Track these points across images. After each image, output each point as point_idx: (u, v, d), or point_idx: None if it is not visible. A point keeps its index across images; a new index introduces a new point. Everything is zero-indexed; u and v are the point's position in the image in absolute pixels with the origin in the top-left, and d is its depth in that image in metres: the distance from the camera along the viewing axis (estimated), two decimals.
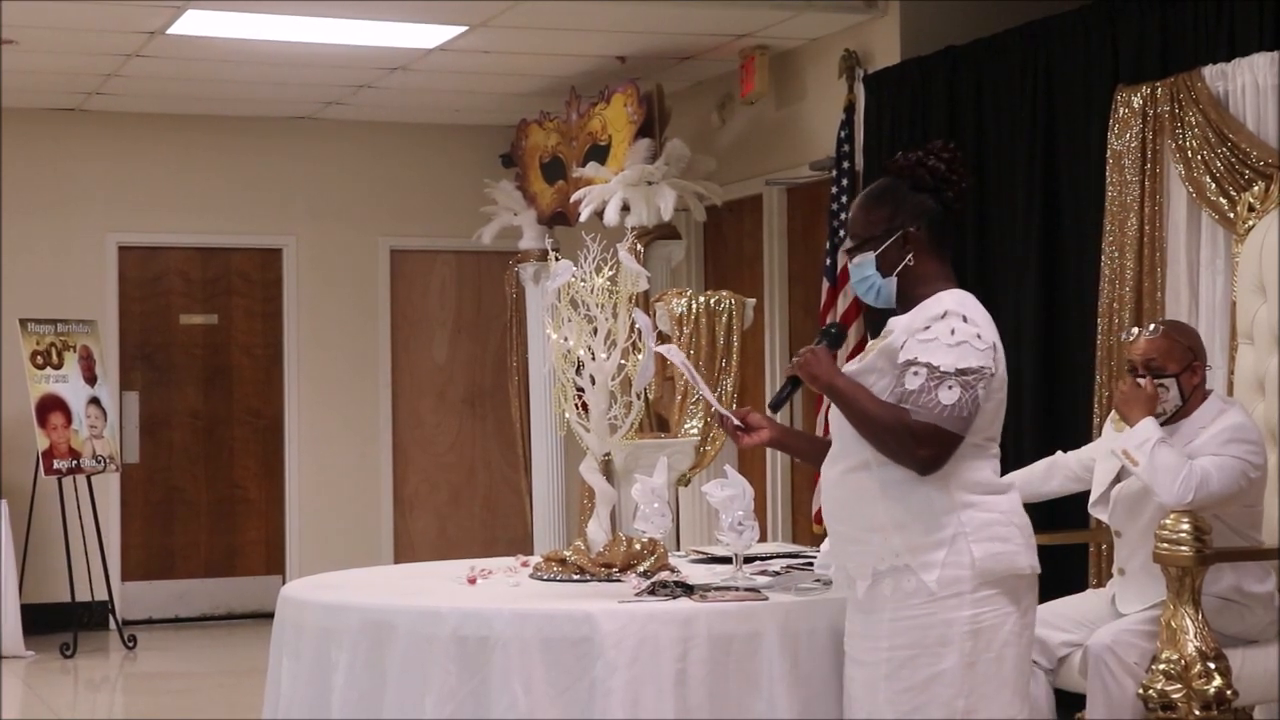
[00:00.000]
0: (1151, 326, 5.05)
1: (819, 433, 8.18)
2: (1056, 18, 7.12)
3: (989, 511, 3.68)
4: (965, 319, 3.66)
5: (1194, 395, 4.92)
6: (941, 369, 3.60)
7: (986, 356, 3.65)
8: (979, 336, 3.65)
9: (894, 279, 3.79)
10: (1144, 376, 4.91)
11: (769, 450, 9.42)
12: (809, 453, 4.26)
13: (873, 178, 8.13)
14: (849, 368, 3.79)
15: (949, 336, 3.63)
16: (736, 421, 4.08)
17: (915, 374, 3.62)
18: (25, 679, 9.06)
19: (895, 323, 3.78)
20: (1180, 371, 4.90)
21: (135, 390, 10.98)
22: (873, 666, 3.71)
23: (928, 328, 3.66)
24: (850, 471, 3.76)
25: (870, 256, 3.81)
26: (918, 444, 3.60)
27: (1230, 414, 4.85)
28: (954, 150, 3.85)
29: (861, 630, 3.77)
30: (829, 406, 4.09)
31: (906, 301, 3.80)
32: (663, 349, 4.31)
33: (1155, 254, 6.30)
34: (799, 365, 3.83)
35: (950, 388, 3.60)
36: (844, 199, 8.33)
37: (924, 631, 3.64)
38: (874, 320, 8.13)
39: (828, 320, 8.35)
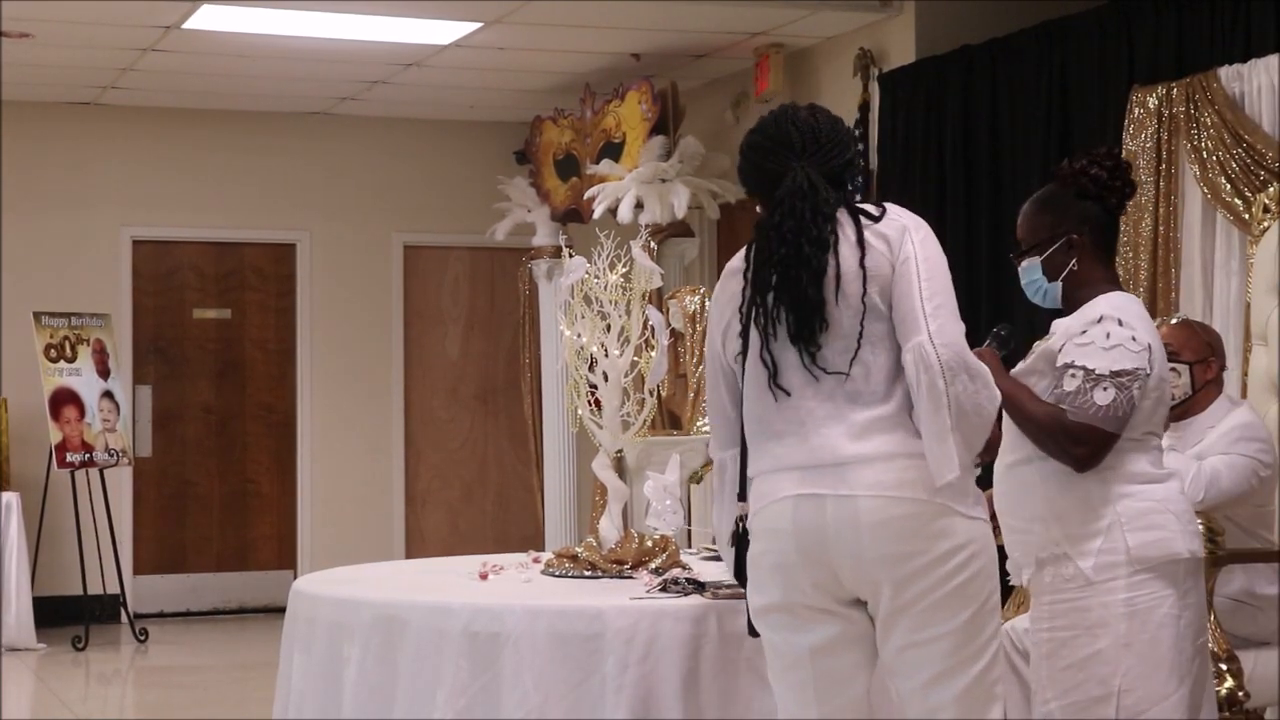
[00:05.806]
0: (1174, 317, 5.08)
1: None
2: (1072, 18, 7.11)
3: (1145, 500, 3.84)
4: (1121, 322, 3.83)
5: (1205, 391, 4.92)
6: (1097, 371, 3.79)
7: (1141, 358, 3.81)
8: (1134, 339, 3.82)
9: (1059, 283, 4.00)
10: None
11: None
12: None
13: (887, 177, 8.13)
14: (1018, 369, 3.96)
15: (1104, 340, 3.81)
16: None
17: (1072, 376, 3.81)
18: (36, 672, 9.08)
19: (1057, 325, 3.96)
20: (1194, 361, 4.91)
21: (148, 384, 11.00)
22: (1034, 648, 3.91)
23: (1084, 332, 3.85)
24: (1015, 465, 3.94)
25: (1036, 261, 4.03)
26: (1074, 443, 3.78)
27: (1238, 413, 4.85)
28: (1117, 157, 4.04)
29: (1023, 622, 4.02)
30: None
31: (1071, 303, 3.99)
32: None
33: (1170, 255, 6.28)
34: None
35: (1105, 389, 3.77)
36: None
37: (1082, 614, 3.81)
38: None
39: None
